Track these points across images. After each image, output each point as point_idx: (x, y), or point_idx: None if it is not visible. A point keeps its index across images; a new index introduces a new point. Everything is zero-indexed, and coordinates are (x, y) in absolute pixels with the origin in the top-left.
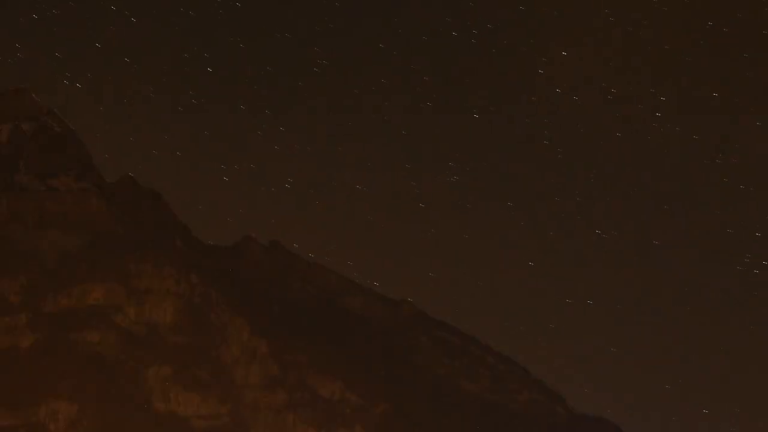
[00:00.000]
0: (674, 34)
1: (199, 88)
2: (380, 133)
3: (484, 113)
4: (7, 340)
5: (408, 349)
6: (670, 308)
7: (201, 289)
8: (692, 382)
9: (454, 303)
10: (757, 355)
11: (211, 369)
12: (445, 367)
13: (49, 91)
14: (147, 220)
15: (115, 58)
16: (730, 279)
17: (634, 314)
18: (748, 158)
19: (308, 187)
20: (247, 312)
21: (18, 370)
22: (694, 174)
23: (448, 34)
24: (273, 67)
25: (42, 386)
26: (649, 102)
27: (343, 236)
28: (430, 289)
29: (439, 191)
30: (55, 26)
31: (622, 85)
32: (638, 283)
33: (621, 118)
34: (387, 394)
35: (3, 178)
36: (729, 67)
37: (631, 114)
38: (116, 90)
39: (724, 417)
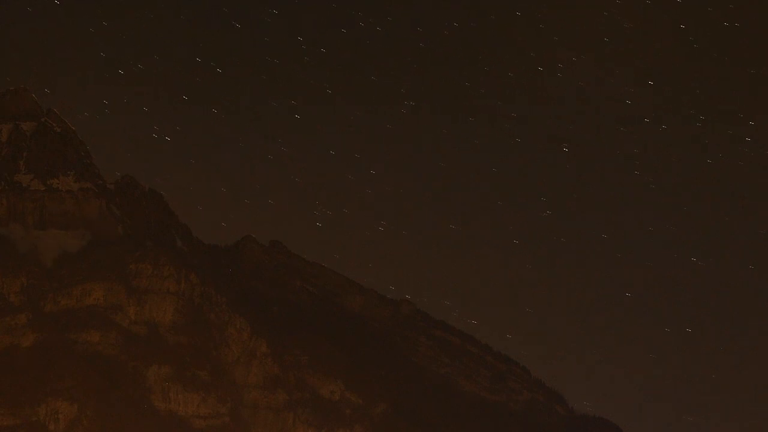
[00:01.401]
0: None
1: (285, 135)
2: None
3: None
4: (7, 340)
5: (408, 349)
6: (671, 309)
7: (201, 289)
8: (692, 382)
9: (454, 303)
10: (757, 356)
11: (211, 369)
12: (445, 367)
13: (49, 91)
14: (147, 220)
15: (204, 108)
16: (730, 280)
17: (634, 315)
18: None
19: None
20: (247, 312)
21: (18, 370)
22: None
23: (534, 69)
24: (361, 111)
25: (42, 386)
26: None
27: (344, 237)
28: (430, 289)
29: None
30: (143, 81)
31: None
32: (638, 283)
33: (712, 145)
34: (387, 394)
35: (3, 178)
36: None
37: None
38: (204, 140)
39: (724, 417)
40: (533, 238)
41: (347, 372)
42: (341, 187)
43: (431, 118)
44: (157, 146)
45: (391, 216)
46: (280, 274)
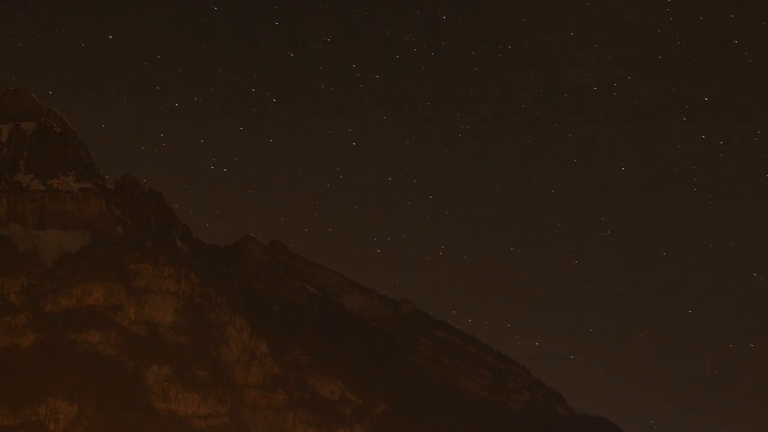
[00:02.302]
0: None
1: (343, 162)
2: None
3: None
4: (7, 340)
5: (408, 349)
6: (671, 309)
7: (201, 289)
8: (692, 382)
9: (454, 303)
10: (758, 356)
11: (211, 369)
12: (445, 367)
13: (49, 91)
14: (147, 220)
15: (258, 138)
16: (731, 281)
17: (634, 315)
18: None
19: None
20: (247, 312)
21: (18, 370)
22: None
23: (590, 89)
24: (417, 136)
25: (42, 386)
26: None
27: (344, 237)
28: (430, 289)
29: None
30: (200, 113)
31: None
32: (639, 284)
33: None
34: (387, 394)
35: (3, 178)
36: None
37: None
38: (263, 169)
39: (724, 417)
40: (533, 238)
41: (347, 372)
42: (398, 211)
43: (490, 140)
44: (158, 146)
45: (394, 221)
46: (280, 274)
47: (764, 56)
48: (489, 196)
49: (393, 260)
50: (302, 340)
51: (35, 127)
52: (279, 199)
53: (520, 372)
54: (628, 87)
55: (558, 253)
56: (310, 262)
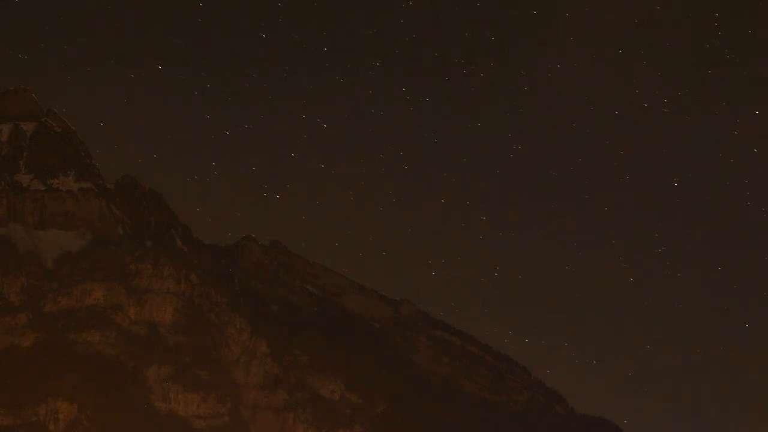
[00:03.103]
0: None
1: (397, 187)
2: None
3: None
4: (7, 340)
5: (408, 349)
6: (671, 309)
7: (201, 289)
8: (692, 382)
9: (454, 303)
10: (757, 356)
11: (211, 369)
12: (445, 367)
13: (49, 91)
14: (147, 220)
15: (311, 163)
16: (731, 281)
17: (634, 315)
18: None
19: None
20: (247, 312)
21: (18, 370)
22: None
23: (640, 105)
24: (468, 158)
25: (42, 386)
26: None
27: (344, 236)
28: (430, 289)
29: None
30: (249, 140)
31: None
32: (639, 284)
33: None
34: (387, 394)
35: (3, 178)
36: None
37: None
38: (317, 197)
39: (724, 417)
40: (534, 238)
41: (347, 372)
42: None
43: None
44: (158, 146)
45: (392, 218)
46: (280, 274)
47: None
48: (484, 193)
49: (393, 260)
50: (302, 340)
51: (35, 127)
52: (279, 199)
53: (520, 372)
54: (680, 106)
55: (560, 253)
56: (310, 262)
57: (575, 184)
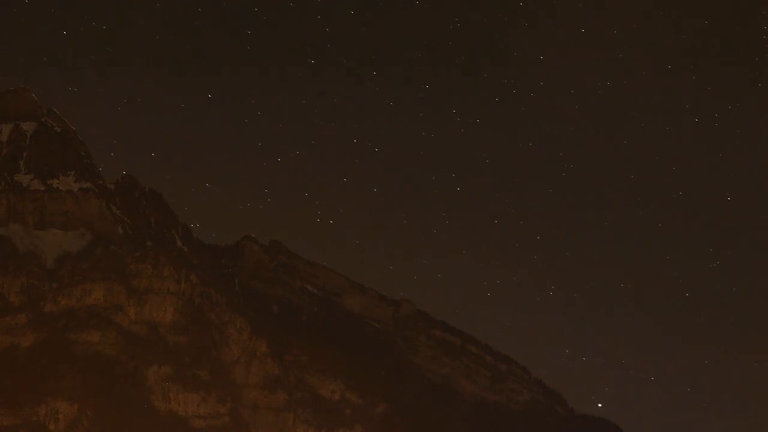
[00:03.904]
0: None
1: (447, 206)
2: None
3: None
4: (7, 340)
5: (408, 349)
6: (671, 310)
7: (201, 289)
8: (692, 382)
9: (454, 303)
10: (757, 356)
11: (211, 369)
12: (445, 367)
13: (49, 91)
14: (147, 220)
15: (364, 187)
16: (731, 281)
17: (634, 315)
18: None
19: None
20: (247, 312)
21: (18, 370)
22: None
23: (690, 121)
24: (521, 177)
25: (42, 386)
26: None
27: (343, 236)
28: (430, 289)
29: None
30: (302, 167)
31: None
32: (639, 285)
33: None
34: (387, 394)
35: (3, 178)
36: None
37: None
38: (369, 221)
39: (724, 417)
40: (534, 238)
41: (347, 372)
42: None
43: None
44: (158, 146)
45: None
46: (280, 274)
47: None
48: (484, 193)
49: (393, 260)
50: (302, 340)
51: (35, 127)
52: (279, 199)
53: (520, 372)
54: (733, 120)
55: (560, 254)
56: (310, 262)
57: (629, 200)
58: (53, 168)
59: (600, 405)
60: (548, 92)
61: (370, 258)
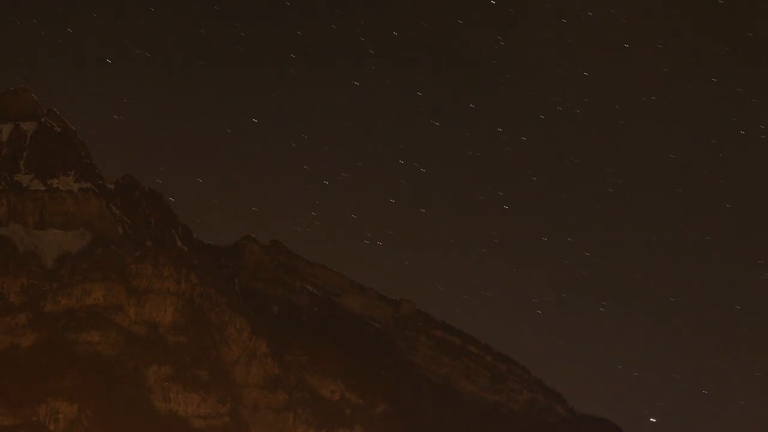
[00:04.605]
0: None
1: (500, 227)
2: None
3: None
4: (7, 340)
5: (408, 349)
6: (671, 309)
7: (201, 289)
8: (692, 382)
9: (454, 303)
10: (757, 355)
11: (211, 369)
12: (445, 367)
13: (49, 91)
14: (147, 220)
15: (411, 208)
16: (731, 281)
17: (634, 315)
18: None
19: None
20: (247, 312)
21: (18, 370)
22: None
23: (737, 133)
24: (569, 194)
25: (42, 386)
26: None
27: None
28: (430, 289)
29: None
30: (350, 188)
31: None
32: (639, 285)
33: None
34: (387, 394)
35: (3, 178)
36: None
37: None
38: (415, 241)
39: (723, 417)
40: (534, 238)
41: (347, 372)
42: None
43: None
44: (158, 146)
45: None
46: (280, 274)
47: None
48: (484, 195)
49: (393, 260)
50: (302, 340)
51: (35, 127)
52: (279, 199)
53: (520, 372)
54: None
55: (560, 254)
56: (310, 262)
57: (677, 212)
58: (53, 168)
59: (653, 420)
60: (593, 109)
61: (370, 258)
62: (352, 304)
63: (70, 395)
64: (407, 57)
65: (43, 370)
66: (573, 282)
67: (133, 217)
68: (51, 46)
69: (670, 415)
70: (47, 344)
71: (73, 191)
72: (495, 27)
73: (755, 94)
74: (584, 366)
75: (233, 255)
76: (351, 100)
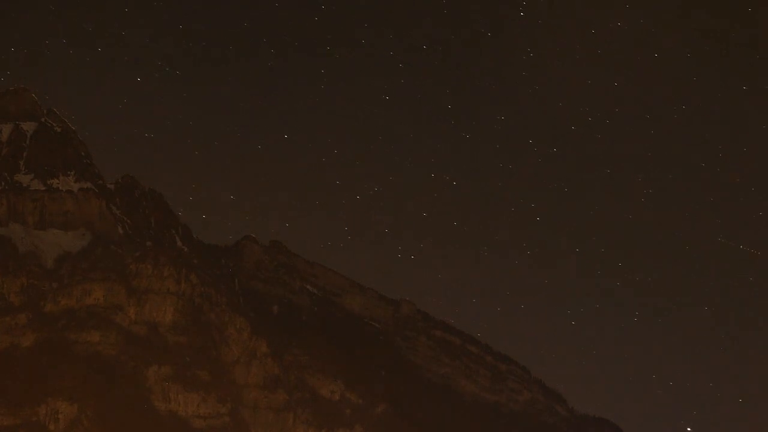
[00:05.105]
0: None
1: (530, 240)
2: None
3: None
4: (7, 340)
5: (408, 349)
6: (671, 309)
7: (201, 289)
8: (692, 382)
9: (454, 303)
10: (757, 355)
11: (211, 369)
12: (445, 367)
13: (49, 91)
14: (147, 220)
15: (443, 222)
16: (731, 281)
17: (634, 315)
18: None
19: None
20: (247, 312)
21: (18, 370)
22: None
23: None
24: (600, 205)
25: (42, 386)
26: None
27: (343, 236)
28: (430, 289)
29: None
30: (381, 201)
31: None
32: (639, 285)
33: None
34: (387, 394)
35: (3, 178)
36: None
37: None
38: (448, 258)
39: (723, 416)
40: (535, 238)
41: (347, 372)
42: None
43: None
44: (158, 146)
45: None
46: (280, 274)
47: None
48: (484, 194)
49: (393, 260)
50: (302, 340)
51: (35, 127)
52: (279, 199)
53: (520, 372)
54: None
55: (560, 254)
56: (310, 262)
57: (707, 221)
58: (53, 168)
59: (689, 430)
60: (624, 119)
61: (370, 258)
62: (352, 304)
63: (70, 395)
64: (436, 70)
65: (43, 370)
66: (605, 293)
67: (133, 217)
68: (51, 46)
69: (707, 425)
70: (47, 344)
71: (73, 191)
72: (524, 38)
73: None
74: (584, 366)
75: (233, 255)
76: (381, 115)
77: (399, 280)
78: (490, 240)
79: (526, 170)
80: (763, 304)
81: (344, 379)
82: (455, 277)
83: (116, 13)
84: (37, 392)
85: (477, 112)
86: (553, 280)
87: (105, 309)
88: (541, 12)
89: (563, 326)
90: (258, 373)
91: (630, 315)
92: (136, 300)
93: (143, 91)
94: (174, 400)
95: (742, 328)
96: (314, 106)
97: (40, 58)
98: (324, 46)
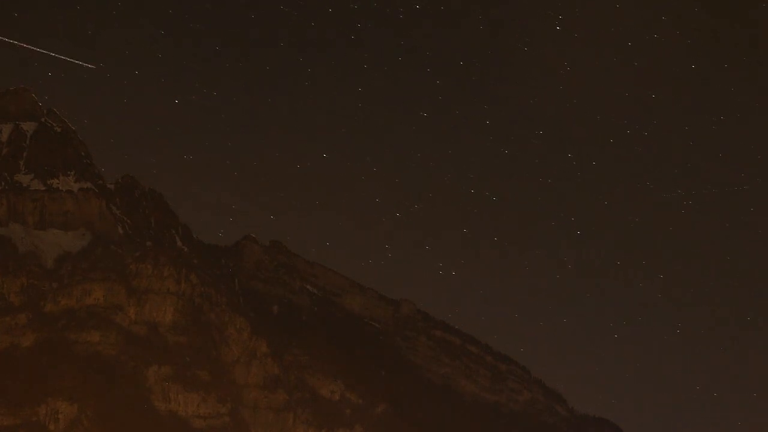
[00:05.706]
0: None
1: (574, 255)
2: None
3: None
4: (7, 340)
5: (408, 349)
6: (671, 309)
7: (201, 289)
8: (692, 382)
9: (454, 303)
10: (757, 355)
11: (211, 369)
12: (445, 367)
13: (49, 91)
14: (147, 220)
15: (483, 238)
16: (731, 281)
17: (634, 315)
18: None
19: None
20: (247, 312)
21: (18, 370)
22: None
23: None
24: (641, 217)
25: (42, 386)
26: None
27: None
28: (430, 289)
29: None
30: (423, 219)
31: None
32: (639, 284)
33: None
34: (387, 394)
35: (3, 178)
36: None
37: None
38: (488, 275)
39: (723, 416)
40: (534, 238)
41: (347, 372)
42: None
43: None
44: (158, 146)
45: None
46: (280, 274)
47: None
48: (485, 193)
49: (393, 260)
50: (302, 340)
51: (35, 127)
52: (279, 199)
53: (520, 372)
54: None
55: (560, 255)
56: (310, 262)
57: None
58: (53, 168)
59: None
60: (662, 131)
61: (370, 258)
62: (352, 304)
63: (70, 395)
64: (474, 86)
65: (43, 370)
66: (648, 306)
67: (133, 217)
68: (51, 46)
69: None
70: (47, 344)
71: (73, 191)
72: (561, 52)
73: None
74: (584, 366)
75: (233, 255)
76: (420, 132)
77: (399, 280)
78: (490, 240)
79: (565, 184)
80: (763, 304)
81: (344, 379)
82: (455, 277)
83: (116, 13)
84: (37, 392)
85: (515, 127)
86: (553, 280)
87: (105, 309)
88: (577, 26)
89: (563, 326)
90: (258, 373)
91: (630, 315)
92: (136, 300)
93: (143, 91)
94: (174, 400)
95: (742, 329)
96: (354, 124)
97: (40, 58)
98: (361, 64)
